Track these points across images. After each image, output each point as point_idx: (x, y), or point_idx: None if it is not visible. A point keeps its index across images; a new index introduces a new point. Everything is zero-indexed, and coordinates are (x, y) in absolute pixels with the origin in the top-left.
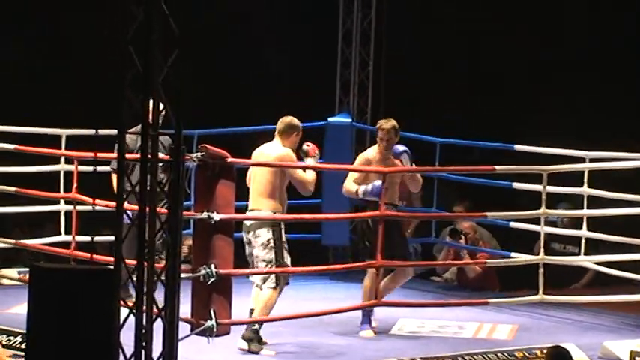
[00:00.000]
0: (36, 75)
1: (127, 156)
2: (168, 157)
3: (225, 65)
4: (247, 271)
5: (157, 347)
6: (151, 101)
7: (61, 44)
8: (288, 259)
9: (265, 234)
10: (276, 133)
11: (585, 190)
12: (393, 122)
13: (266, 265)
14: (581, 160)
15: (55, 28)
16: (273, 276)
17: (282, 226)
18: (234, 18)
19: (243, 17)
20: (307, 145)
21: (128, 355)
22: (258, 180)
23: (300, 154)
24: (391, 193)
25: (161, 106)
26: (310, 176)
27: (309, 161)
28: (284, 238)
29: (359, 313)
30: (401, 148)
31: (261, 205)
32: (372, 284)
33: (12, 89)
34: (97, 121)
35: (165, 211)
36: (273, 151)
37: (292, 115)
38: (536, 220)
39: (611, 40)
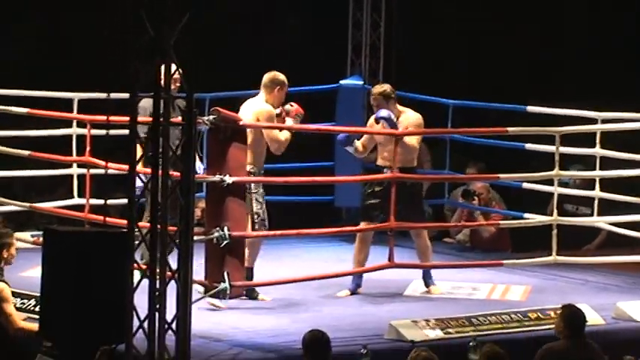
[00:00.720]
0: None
1: (140, 119)
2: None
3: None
4: (261, 233)
5: (171, 310)
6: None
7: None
8: (260, 209)
9: None
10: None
11: (598, 150)
12: (383, 87)
13: None
14: (593, 120)
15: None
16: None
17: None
18: None
19: None
20: (291, 105)
21: (142, 318)
22: None
23: (282, 112)
24: (401, 157)
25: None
26: (283, 136)
27: (289, 121)
28: (254, 189)
29: (371, 275)
30: (383, 113)
31: None
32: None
33: (25, 54)
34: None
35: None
36: (253, 106)
37: (304, 78)
38: (548, 182)
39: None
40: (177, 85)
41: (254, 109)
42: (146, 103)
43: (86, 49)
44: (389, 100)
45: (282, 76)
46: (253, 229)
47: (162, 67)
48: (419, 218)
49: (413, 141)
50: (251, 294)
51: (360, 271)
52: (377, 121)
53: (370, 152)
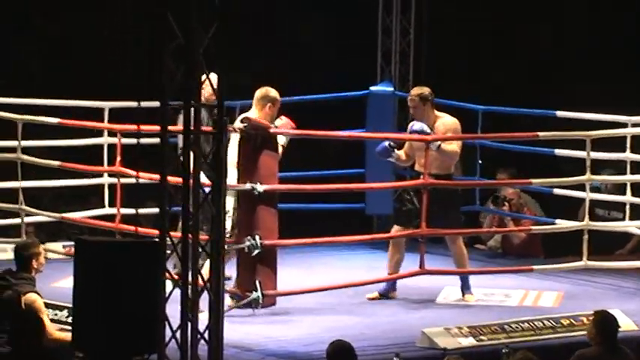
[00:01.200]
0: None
1: (171, 128)
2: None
3: (268, 35)
4: (292, 241)
5: (203, 320)
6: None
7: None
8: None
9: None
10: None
11: (628, 155)
12: (422, 89)
13: None
14: (623, 125)
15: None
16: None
17: None
18: None
19: None
20: (281, 119)
21: (174, 328)
22: None
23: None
24: (437, 163)
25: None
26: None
27: (280, 137)
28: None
29: (402, 281)
30: (416, 126)
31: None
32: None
33: (56, 63)
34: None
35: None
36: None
37: (335, 85)
38: (579, 187)
39: None
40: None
41: None
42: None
43: (117, 57)
44: (426, 102)
45: (274, 92)
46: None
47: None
48: (452, 225)
49: (451, 147)
50: None
51: (391, 278)
52: (392, 150)
53: None
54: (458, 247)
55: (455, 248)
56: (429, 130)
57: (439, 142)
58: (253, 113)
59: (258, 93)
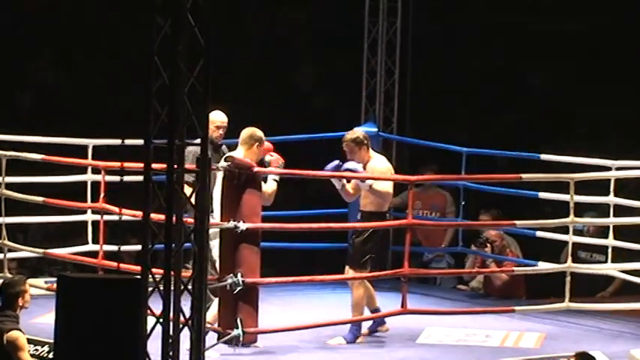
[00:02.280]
0: (62, 87)
1: (154, 166)
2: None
3: (249, 76)
4: (274, 280)
5: (184, 356)
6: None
7: (88, 56)
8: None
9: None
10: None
11: (612, 199)
12: (356, 134)
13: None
14: (607, 168)
15: (82, 42)
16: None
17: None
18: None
19: (268, 30)
20: (271, 155)
21: None
22: None
23: (264, 165)
24: (370, 201)
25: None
26: (269, 188)
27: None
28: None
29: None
30: (349, 165)
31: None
32: (363, 293)
33: (40, 101)
34: (124, 132)
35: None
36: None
37: (321, 125)
38: (562, 229)
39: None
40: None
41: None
42: (193, 149)
43: (101, 94)
44: (361, 146)
45: (260, 132)
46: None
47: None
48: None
49: (380, 186)
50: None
51: (374, 317)
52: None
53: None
54: (357, 295)
55: (353, 295)
56: (361, 169)
57: (370, 182)
58: (240, 152)
59: (245, 133)
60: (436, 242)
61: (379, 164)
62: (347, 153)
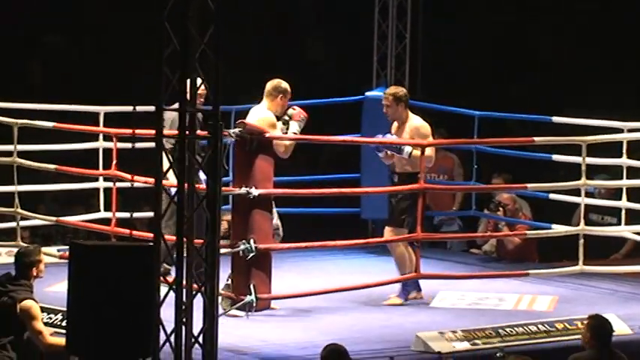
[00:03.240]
0: (73, 54)
1: (165, 132)
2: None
3: (260, 42)
4: (286, 245)
5: (198, 323)
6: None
7: (99, 24)
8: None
9: None
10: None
11: (624, 160)
12: (398, 89)
13: None
14: (619, 130)
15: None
16: None
17: None
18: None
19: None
20: (293, 109)
21: (168, 332)
22: None
23: (284, 119)
24: (408, 163)
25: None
26: (287, 140)
27: (293, 124)
28: None
29: (396, 286)
30: (388, 138)
31: None
32: (405, 249)
33: (51, 69)
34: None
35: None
36: (256, 114)
37: (331, 90)
38: (573, 192)
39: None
40: (202, 99)
41: (255, 118)
42: (171, 114)
43: (112, 61)
44: (399, 102)
45: (285, 84)
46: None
47: (188, 80)
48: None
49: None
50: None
51: (387, 282)
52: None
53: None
54: (399, 252)
55: (395, 253)
56: (392, 135)
57: (410, 150)
58: (264, 104)
59: (270, 84)
60: (446, 205)
61: (418, 124)
62: (384, 107)
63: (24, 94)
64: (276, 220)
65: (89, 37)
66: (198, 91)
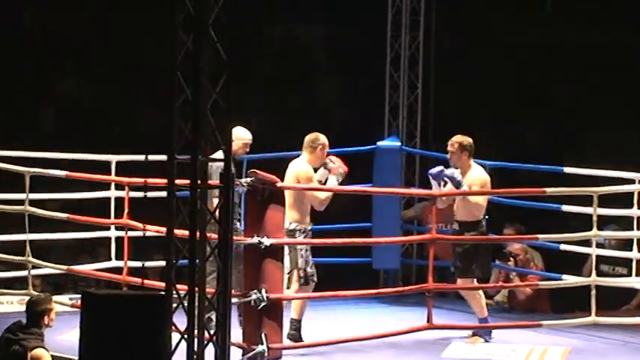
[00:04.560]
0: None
1: (178, 181)
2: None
3: (272, 91)
4: (298, 295)
5: None
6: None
7: (111, 73)
8: (305, 265)
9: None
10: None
11: (635, 211)
12: (464, 138)
13: (287, 273)
14: (630, 181)
15: (105, 58)
16: (295, 280)
17: (299, 235)
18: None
19: (291, 44)
20: (331, 162)
21: None
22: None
23: (326, 169)
24: (464, 210)
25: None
26: (323, 195)
27: (332, 178)
28: (300, 246)
29: (409, 336)
30: (448, 171)
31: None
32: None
33: (63, 118)
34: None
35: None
36: (294, 167)
37: (344, 139)
38: (583, 243)
39: None
40: (247, 150)
41: (294, 170)
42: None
43: (124, 111)
44: (463, 151)
45: (323, 137)
46: (299, 283)
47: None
48: (464, 274)
49: (474, 198)
50: (296, 339)
51: (398, 332)
52: (442, 178)
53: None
54: (473, 302)
55: (469, 297)
56: (459, 178)
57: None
58: (303, 158)
59: (308, 139)
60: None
61: (479, 175)
62: (449, 153)
63: (36, 141)
64: (311, 268)
65: (101, 85)
66: (244, 141)
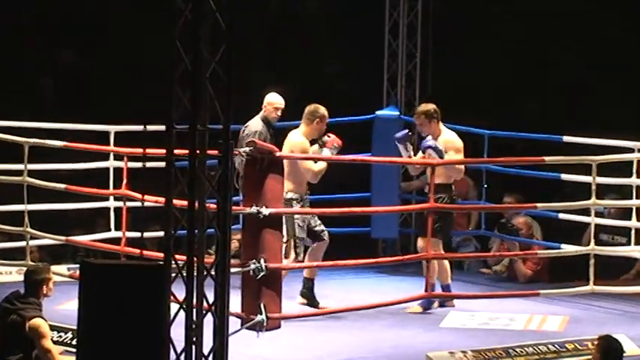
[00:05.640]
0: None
1: (176, 151)
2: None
3: (272, 60)
4: (297, 265)
5: (208, 342)
6: None
7: (110, 43)
8: (301, 233)
9: None
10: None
11: (635, 180)
12: (427, 107)
13: (284, 242)
14: (629, 150)
15: (104, 29)
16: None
17: (295, 204)
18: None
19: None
20: (328, 136)
21: (179, 351)
22: None
23: (319, 143)
24: (440, 174)
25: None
26: (317, 167)
27: (325, 151)
28: (297, 215)
29: (407, 305)
30: (430, 142)
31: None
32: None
33: (62, 88)
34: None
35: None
36: (291, 138)
37: (342, 109)
38: (583, 212)
39: None
40: (278, 114)
41: (289, 141)
42: (256, 126)
43: (122, 80)
44: (431, 119)
45: (322, 109)
46: (295, 252)
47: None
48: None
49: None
50: (313, 303)
51: (396, 302)
52: (423, 150)
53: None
54: (441, 263)
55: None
56: (441, 147)
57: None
58: (300, 129)
59: (307, 110)
60: (460, 227)
61: (451, 138)
62: (417, 125)
63: (35, 111)
64: (320, 226)
65: (101, 54)
66: (275, 105)
